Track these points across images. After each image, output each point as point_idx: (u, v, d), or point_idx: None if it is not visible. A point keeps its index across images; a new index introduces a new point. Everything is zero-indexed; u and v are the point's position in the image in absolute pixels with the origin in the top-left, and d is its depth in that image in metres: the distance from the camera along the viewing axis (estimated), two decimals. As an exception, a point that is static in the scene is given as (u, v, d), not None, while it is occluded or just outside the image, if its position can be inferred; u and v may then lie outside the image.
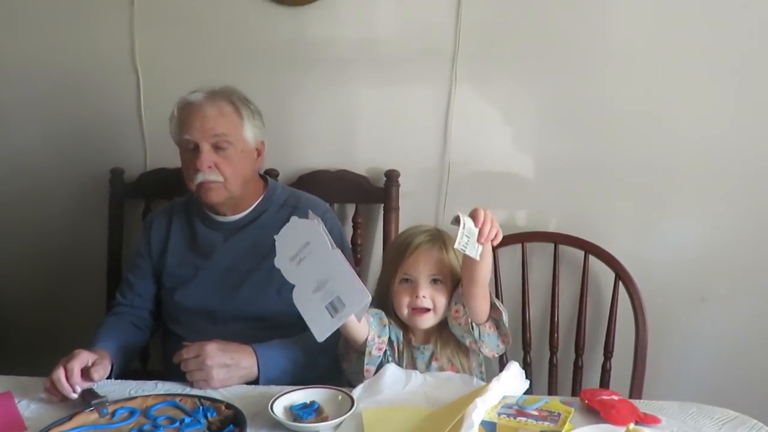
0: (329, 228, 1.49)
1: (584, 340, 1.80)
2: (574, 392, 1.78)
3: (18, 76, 2.07)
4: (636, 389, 1.68)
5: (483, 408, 1.04)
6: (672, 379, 1.88)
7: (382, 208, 1.93)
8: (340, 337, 1.34)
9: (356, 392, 1.23)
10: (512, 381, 1.16)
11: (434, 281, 1.34)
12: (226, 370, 1.32)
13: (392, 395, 1.22)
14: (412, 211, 1.92)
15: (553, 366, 1.82)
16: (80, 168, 2.11)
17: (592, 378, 1.82)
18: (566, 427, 1.04)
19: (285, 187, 1.73)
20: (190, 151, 1.52)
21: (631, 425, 1.09)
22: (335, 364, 1.40)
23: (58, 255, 2.17)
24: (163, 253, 1.63)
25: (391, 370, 1.28)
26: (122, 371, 1.45)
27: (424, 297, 1.33)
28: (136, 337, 1.61)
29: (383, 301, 1.41)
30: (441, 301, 1.34)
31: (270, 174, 1.95)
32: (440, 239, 1.38)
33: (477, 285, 1.26)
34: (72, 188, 2.13)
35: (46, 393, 1.28)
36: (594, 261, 1.81)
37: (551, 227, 1.90)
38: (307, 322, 1.18)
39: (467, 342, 1.32)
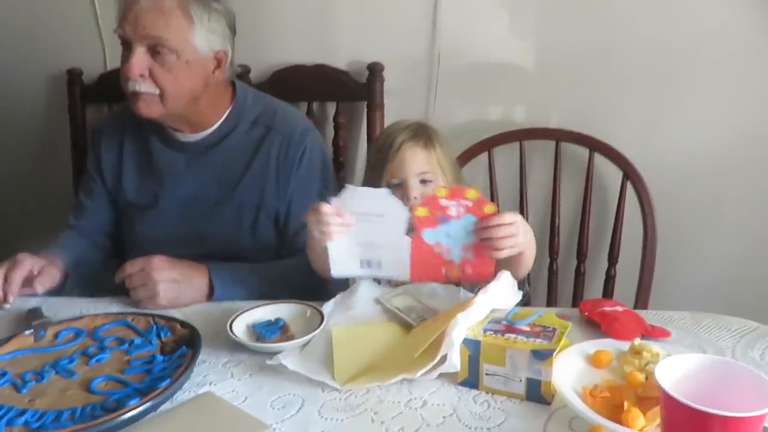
0: (310, 155, 1.38)
1: (587, 245, 1.65)
2: (575, 302, 1.65)
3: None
4: (642, 299, 1.55)
5: (465, 324, 0.90)
6: (682, 289, 1.74)
7: (365, 106, 1.74)
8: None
9: (327, 308, 1.09)
10: (502, 293, 1.02)
11: (423, 181, 1.22)
12: (175, 286, 1.16)
13: (366, 311, 1.08)
14: (399, 108, 1.73)
15: (552, 273, 1.69)
16: (36, 70, 1.93)
17: (594, 286, 1.69)
18: (562, 343, 0.91)
19: (258, 95, 1.44)
20: (126, 49, 1.26)
21: (637, 340, 0.95)
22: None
23: (23, 163, 2.02)
24: (117, 177, 1.42)
25: (366, 284, 1.14)
26: (78, 290, 1.32)
27: (415, 198, 1.20)
28: (93, 255, 1.44)
29: None
30: None
31: (240, 73, 1.76)
32: (424, 134, 1.25)
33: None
34: (29, 92, 1.96)
35: None
36: (600, 159, 1.63)
37: (553, 123, 1.71)
38: (329, 255, 1.09)
39: None
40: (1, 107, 1.96)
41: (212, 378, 0.95)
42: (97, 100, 1.88)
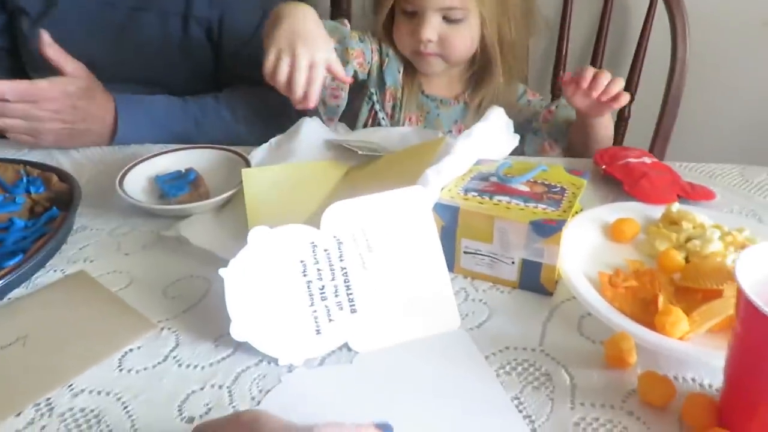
0: None
1: (599, 78, 1.35)
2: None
3: None
4: (658, 148, 1.27)
5: (438, 183, 0.63)
6: (708, 138, 1.45)
7: None
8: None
9: (256, 155, 0.81)
10: (492, 137, 0.74)
11: (448, 20, 0.91)
12: (64, 125, 0.87)
13: (308, 155, 0.80)
14: None
15: (553, 113, 1.40)
16: None
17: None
18: (575, 207, 0.65)
19: None
20: None
21: (675, 205, 0.69)
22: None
23: None
24: None
25: (311, 124, 0.85)
26: None
27: (429, 41, 0.91)
28: None
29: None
30: (458, 44, 0.94)
31: None
32: None
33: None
34: None
35: None
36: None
37: None
38: None
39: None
40: None
41: (91, 252, 0.69)
42: None
